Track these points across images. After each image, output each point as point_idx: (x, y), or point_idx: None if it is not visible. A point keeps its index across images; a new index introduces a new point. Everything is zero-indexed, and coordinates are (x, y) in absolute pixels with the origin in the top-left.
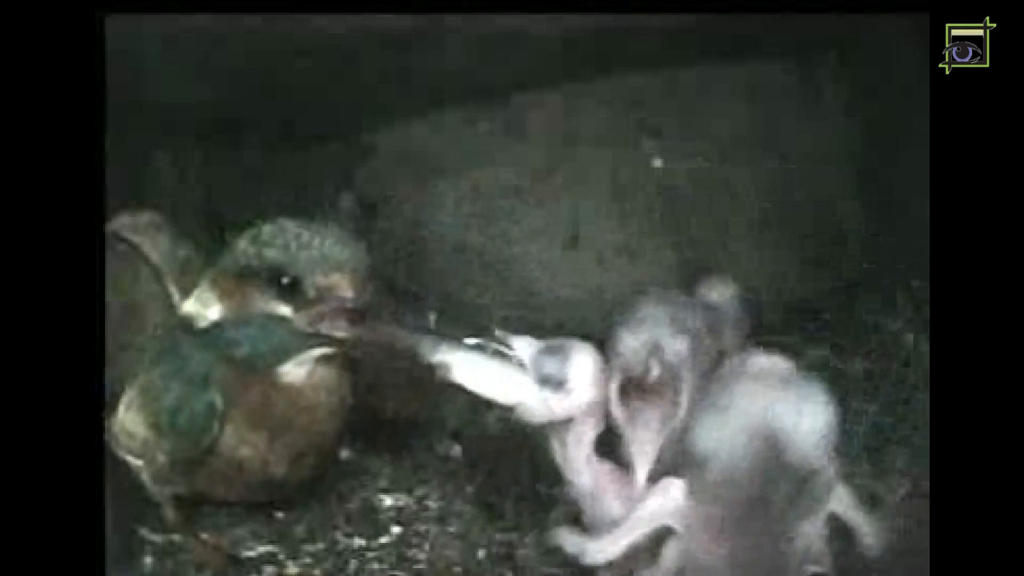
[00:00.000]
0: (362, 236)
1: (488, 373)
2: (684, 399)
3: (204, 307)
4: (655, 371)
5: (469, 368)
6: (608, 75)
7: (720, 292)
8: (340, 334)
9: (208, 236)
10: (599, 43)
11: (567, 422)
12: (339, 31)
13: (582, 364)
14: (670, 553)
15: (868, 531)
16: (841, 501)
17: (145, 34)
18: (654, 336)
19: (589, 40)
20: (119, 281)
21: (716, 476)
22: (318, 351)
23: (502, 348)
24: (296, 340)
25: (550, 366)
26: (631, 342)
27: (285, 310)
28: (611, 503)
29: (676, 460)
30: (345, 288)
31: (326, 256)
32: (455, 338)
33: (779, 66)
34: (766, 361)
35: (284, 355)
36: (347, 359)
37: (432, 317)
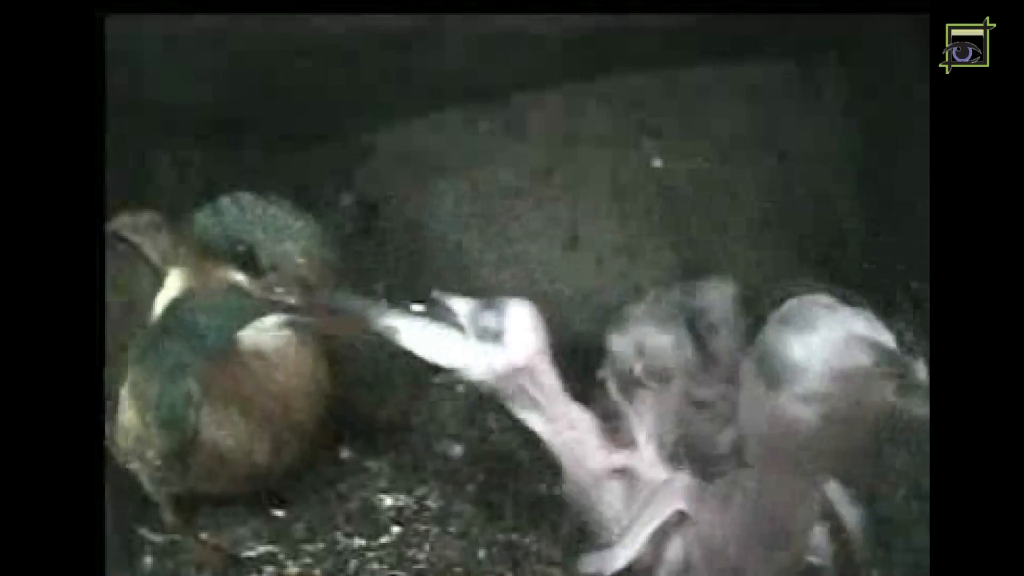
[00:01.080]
0: (362, 236)
1: (432, 337)
2: (676, 386)
3: (171, 290)
4: (638, 367)
5: (414, 332)
6: (608, 75)
7: (721, 291)
8: (292, 300)
9: None
10: (599, 43)
11: (521, 378)
12: (339, 31)
13: (518, 316)
14: (677, 537)
15: (855, 527)
16: (834, 491)
17: (145, 34)
18: (638, 336)
19: (589, 40)
20: (119, 281)
21: (814, 383)
22: (273, 317)
23: (443, 309)
24: (251, 307)
25: (487, 319)
26: (618, 342)
27: (242, 279)
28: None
29: (762, 378)
30: (296, 255)
31: (279, 225)
32: (401, 304)
33: (779, 66)
34: (826, 299)
35: (240, 322)
36: (318, 343)
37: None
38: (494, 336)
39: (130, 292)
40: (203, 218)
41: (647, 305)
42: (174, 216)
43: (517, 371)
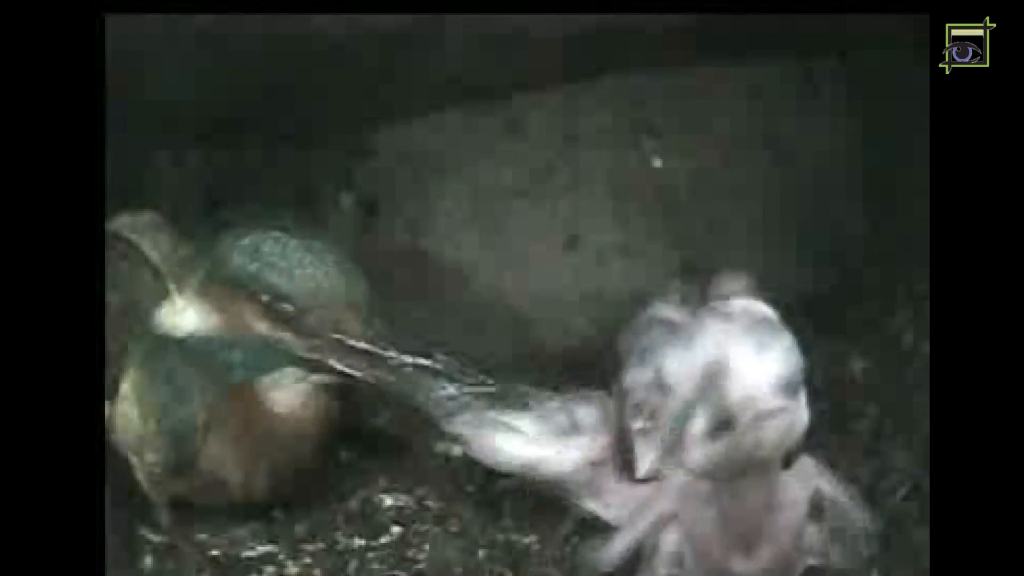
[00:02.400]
0: (362, 236)
1: (500, 445)
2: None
3: (187, 314)
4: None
5: (486, 446)
6: (609, 75)
7: (739, 285)
8: (339, 366)
9: (208, 236)
10: (600, 43)
11: (586, 472)
12: (339, 31)
13: (587, 415)
14: (670, 537)
15: (857, 515)
16: (822, 477)
17: (145, 34)
18: (657, 366)
19: (590, 40)
20: (119, 281)
21: (677, 405)
22: (314, 377)
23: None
24: (291, 364)
25: (558, 419)
26: (638, 377)
27: (282, 334)
28: None
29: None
30: (349, 324)
31: (332, 290)
32: (468, 408)
33: (780, 66)
34: (741, 305)
35: (277, 379)
36: (341, 388)
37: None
38: (566, 434)
39: (130, 292)
40: (240, 258)
41: (656, 325)
42: (175, 217)
43: (588, 466)
